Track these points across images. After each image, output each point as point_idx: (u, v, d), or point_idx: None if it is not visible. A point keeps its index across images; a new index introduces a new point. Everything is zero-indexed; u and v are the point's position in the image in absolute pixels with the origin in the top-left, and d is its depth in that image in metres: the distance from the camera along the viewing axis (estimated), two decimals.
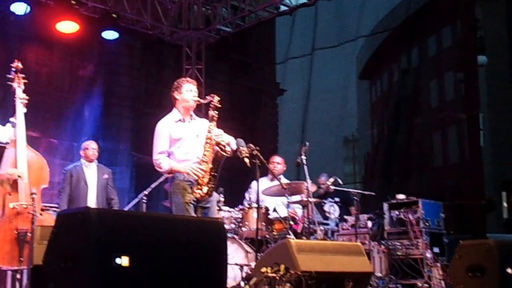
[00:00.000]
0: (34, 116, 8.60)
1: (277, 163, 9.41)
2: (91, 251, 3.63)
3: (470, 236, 10.91)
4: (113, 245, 3.71)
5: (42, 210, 7.09)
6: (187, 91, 6.53)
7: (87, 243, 3.65)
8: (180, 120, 6.51)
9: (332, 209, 10.35)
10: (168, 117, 6.58)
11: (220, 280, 4.34)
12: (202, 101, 6.56)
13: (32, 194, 6.81)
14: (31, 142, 7.50)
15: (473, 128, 11.66)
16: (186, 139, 6.43)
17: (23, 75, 7.44)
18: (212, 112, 6.41)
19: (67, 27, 11.49)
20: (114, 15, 11.88)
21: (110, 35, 12.07)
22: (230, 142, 6.39)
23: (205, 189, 6.27)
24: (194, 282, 4.11)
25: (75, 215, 3.79)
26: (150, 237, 3.93)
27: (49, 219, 6.97)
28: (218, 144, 6.33)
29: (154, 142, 6.49)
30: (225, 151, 6.29)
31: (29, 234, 6.50)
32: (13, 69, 7.43)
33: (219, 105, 6.41)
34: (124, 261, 3.70)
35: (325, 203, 10.52)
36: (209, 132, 6.36)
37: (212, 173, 6.30)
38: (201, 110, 6.95)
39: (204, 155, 6.33)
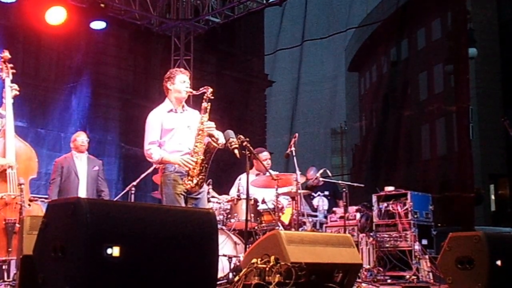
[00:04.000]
0: (21, 106, 8.56)
1: (269, 158, 9.31)
2: (82, 241, 3.60)
3: (458, 228, 10.97)
4: (104, 235, 3.68)
5: (31, 200, 7.07)
6: (180, 82, 6.49)
7: (77, 233, 3.62)
8: (172, 111, 6.46)
9: (321, 202, 10.36)
10: (160, 107, 6.53)
11: (211, 270, 4.32)
12: (194, 92, 6.52)
13: (20, 184, 6.79)
14: (19, 132, 7.46)
15: (463, 120, 11.68)
16: (178, 130, 6.39)
17: (12, 65, 7.40)
18: (205, 104, 6.37)
19: (55, 17, 11.38)
20: (102, 5, 11.78)
21: (97, 25, 11.95)
22: (219, 138, 6.35)
23: (195, 180, 6.23)
24: (185, 273, 4.09)
25: (66, 205, 3.76)
26: (141, 227, 3.90)
27: (37, 209, 6.96)
28: (210, 135, 6.30)
29: (145, 132, 6.43)
30: (217, 143, 6.26)
31: (17, 225, 6.47)
32: (1, 59, 7.39)
33: (212, 97, 6.37)
34: (115, 251, 3.67)
35: (314, 196, 10.52)
36: (201, 124, 6.33)
37: (203, 165, 6.27)
38: (189, 102, 6.89)
39: (196, 146, 6.29)
